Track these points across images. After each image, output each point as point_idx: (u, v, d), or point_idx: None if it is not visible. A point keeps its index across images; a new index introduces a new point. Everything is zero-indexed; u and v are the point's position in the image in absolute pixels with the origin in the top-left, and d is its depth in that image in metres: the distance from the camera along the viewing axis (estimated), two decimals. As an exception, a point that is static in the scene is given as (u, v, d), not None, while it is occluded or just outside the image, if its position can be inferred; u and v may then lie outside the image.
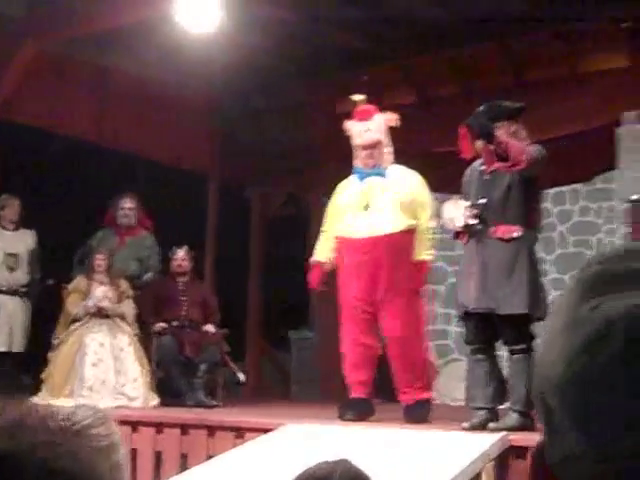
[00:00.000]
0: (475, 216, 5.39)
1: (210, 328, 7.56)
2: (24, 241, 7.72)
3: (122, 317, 7.30)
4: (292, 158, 9.35)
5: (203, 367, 7.30)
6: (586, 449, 0.64)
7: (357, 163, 6.04)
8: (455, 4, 7.61)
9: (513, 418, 5.19)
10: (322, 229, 6.23)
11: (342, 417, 5.79)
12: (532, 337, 5.24)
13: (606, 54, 7.96)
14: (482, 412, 5.32)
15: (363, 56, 8.44)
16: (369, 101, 6.12)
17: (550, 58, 8.15)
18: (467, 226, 5.41)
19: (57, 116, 8.21)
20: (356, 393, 5.93)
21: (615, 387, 0.63)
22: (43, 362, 7.16)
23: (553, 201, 9.11)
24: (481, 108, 5.56)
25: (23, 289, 7.61)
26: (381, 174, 5.95)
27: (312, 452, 4.01)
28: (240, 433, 5.55)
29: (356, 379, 5.93)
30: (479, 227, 5.39)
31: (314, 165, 9.07)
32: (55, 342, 7.19)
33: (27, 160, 8.71)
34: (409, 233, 5.87)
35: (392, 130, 6.00)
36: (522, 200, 5.40)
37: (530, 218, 5.49)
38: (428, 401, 5.89)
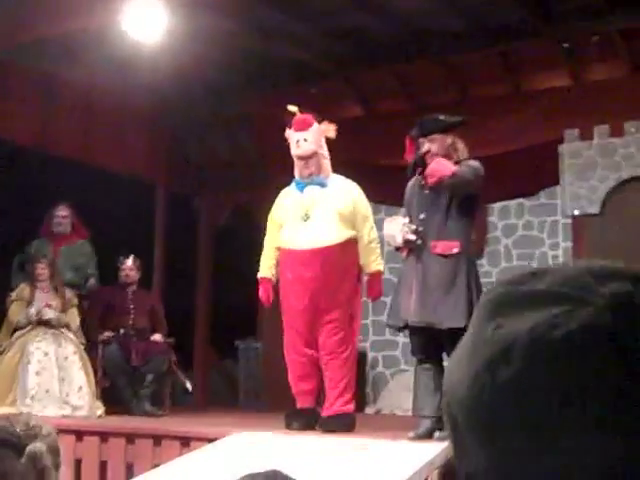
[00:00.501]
0: (413, 232, 5.41)
1: (157, 337, 7.55)
2: None
3: (67, 326, 7.25)
4: (240, 169, 9.39)
5: (150, 376, 7.28)
6: (488, 467, 0.67)
7: (296, 173, 6.07)
8: (402, 20, 7.73)
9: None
10: (264, 242, 6.24)
11: (288, 427, 5.81)
12: None
13: (548, 73, 8.15)
14: (428, 421, 5.35)
15: (312, 69, 8.52)
16: (316, 114, 6.17)
17: (493, 75, 8.31)
18: (406, 242, 5.44)
19: (1, 123, 8.13)
20: (302, 403, 5.94)
21: (513, 407, 0.65)
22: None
23: (499, 215, 9.26)
24: (418, 121, 5.62)
25: None
26: (321, 184, 5.96)
27: (257, 461, 4.05)
28: (186, 442, 5.55)
29: (301, 389, 5.94)
30: (418, 243, 5.42)
31: (263, 177, 9.10)
32: (-3, 351, 7.12)
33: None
34: (349, 244, 5.87)
35: (338, 142, 6.05)
36: (462, 216, 5.43)
37: (469, 233, 5.52)
38: (348, 415, 5.82)
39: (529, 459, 0.65)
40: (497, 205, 9.14)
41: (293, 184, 6.07)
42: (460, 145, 5.53)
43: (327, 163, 6.06)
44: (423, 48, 8.10)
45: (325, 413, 5.81)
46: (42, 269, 7.37)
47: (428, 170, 5.37)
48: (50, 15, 7.07)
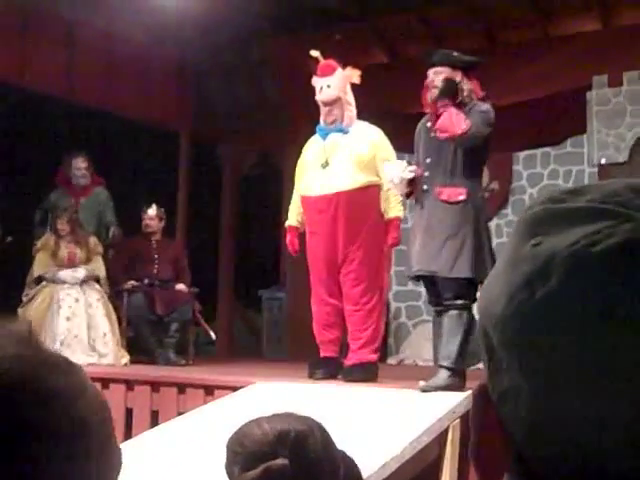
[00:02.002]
0: (411, 172, 5.21)
1: (181, 287, 7.58)
2: None
3: (97, 279, 7.30)
4: (264, 116, 9.32)
5: (174, 326, 7.33)
6: (522, 384, 0.66)
7: (321, 120, 6.03)
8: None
9: (441, 377, 5.04)
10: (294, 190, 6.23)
11: (312, 376, 5.83)
12: (473, 298, 5.07)
13: (576, 17, 7.98)
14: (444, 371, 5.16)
15: (337, 14, 8.42)
16: (340, 60, 6.09)
17: (520, 20, 8.15)
18: (407, 183, 5.24)
19: (23, 70, 8.10)
20: (325, 352, 5.96)
21: (553, 323, 0.64)
22: (12, 317, 7.11)
23: (524, 164, 9.15)
24: (430, 51, 5.45)
25: None
26: (342, 131, 5.90)
27: (280, 410, 4.06)
28: (210, 390, 5.61)
29: (325, 338, 5.95)
30: (424, 188, 5.23)
31: (286, 123, 9.04)
32: (24, 298, 7.18)
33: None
34: (369, 190, 5.77)
35: (363, 89, 5.98)
36: (470, 162, 5.18)
37: (478, 180, 5.34)
38: (372, 364, 5.77)
39: (562, 378, 0.64)
40: (522, 154, 9.02)
41: (317, 131, 6.04)
42: (467, 86, 5.26)
43: (351, 109, 6.00)
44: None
45: (348, 362, 5.81)
46: (62, 224, 7.37)
47: (438, 124, 5.14)
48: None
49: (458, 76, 5.25)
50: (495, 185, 8.85)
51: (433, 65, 5.29)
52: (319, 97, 5.96)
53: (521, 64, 7.95)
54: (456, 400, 4.74)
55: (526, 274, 0.66)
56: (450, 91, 5.20)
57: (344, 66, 6.05)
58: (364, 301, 5.76)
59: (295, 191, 6.18)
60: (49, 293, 7.09)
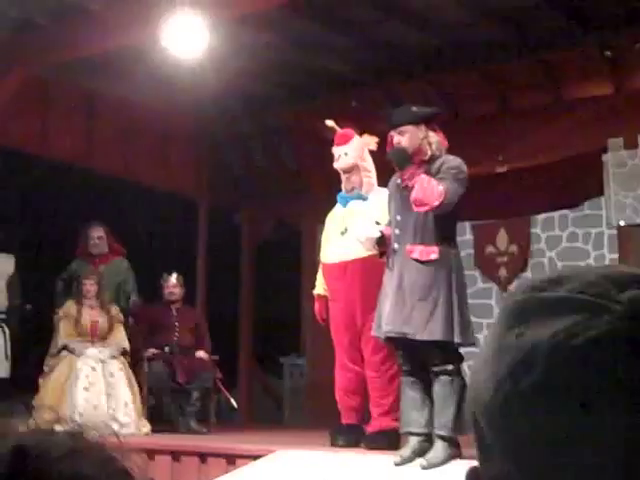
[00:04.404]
0: (379, 230, 5.13)
1: (202, 354, 7.57)
2: (2, 266, 7.65)
3: (114, 344, 7.32)
4: (281, 183, 9.40)
5: (195, 394, 7.30)
6: (512, 470, 0.67)
7: (342, 187, 6.10)
8: (439, 31, 7.70)
9: (440, 450, 4.86)
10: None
11: (333, 443, 5.80)
12: (459, 359, 4.94)
13: (590, 81, 8.05)
14: (415, 439, 5.04)
15: (350, 81, 8.54)
16: (357, 127, 6.16)
17: (534, 85, 8.23)
18: (380, 244, 5.14)
19: (44, 140, 8.24)
20: (347, 419, 5.93)
21: (536, 414, 0.66)
22: (32, 387, 7.14)
23: (542, 226, 9.14)
24: (388, 111, 5.34)
25: (1, 315, 7.54)
26: (361, 197, 5.95)
27: (302, 478, 4.03)
28: (232, 460, 5.58)
29: (347, 405, 5.93)
30: (395, 247, 5.07)
31: (303, 191, 9.12)
32: (46, 368, 7.19)
33: (10, 184, 8.71)
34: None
35: (381, 154, 6.00)
36: (441, 220, 5.00)
37: (451, 237, 5.12)
38: (394, 431, 5.63)
39: (549, 469, 0.66)
40: (540, 217, 9.02)
41: (338, 200, 6.11)
42: (434, 138, 5.12)
43: (370, 175, 6.05)
44: (461, 58, 8.05)
45: (370, 430, 5.77)
46: (90, 285, 7.45)
47: (413, 197, 4.95)
48: (91, 34, 7.16)
49: (422, 131, 5.11)
50: None
51: (396, 125, 5.16)
52: (336, 165, 6.04)
53: (535, 128, 8.00)
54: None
55: (510, 364, 0.68)
56: (404, 160, 5.05)
57: (361, 133, 6.12)
58: (385, 368, 5.73)
59: (320, 260, 6.22)
60: (68, 363, 7.10)
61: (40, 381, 7.13)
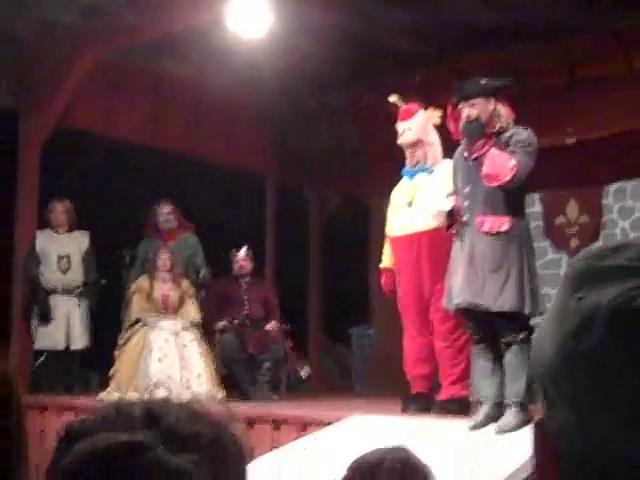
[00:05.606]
0: (449, 203, 5.14)
1: (272, 326, 7.70)
2: (78, 242, 7.86)
3: (186, 316, 7.50)
4: (346, 159, 9.45)
5: (267, 364, 7.43)
6: (575, 424, 0.73)
7: (407, 162, 6.13)
8: (503, 6, 7.63)
9: (511, 416, 4.90)
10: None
11: (405, 410, 5.84)
12: (529, 329, 4.92)
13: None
14: (486, 406, 5.07)
15: (413, 57, 8.51)
16: (421, 102, 6.18)
17: (603, 55, 8.06)
18: (449, 216, 5.18)
19: (113, 122, 8.42)
20: (417, 388, 5.97)
21: (596, 373, 0.71)
22: (109, 359, 7.37)
23: (614, 197, 9.02)
24: (458, 84, 5.32)
25: (77, 289, 7.76)
26: (427, 171, 5.98)
27: (373, 444, 4.10)
28: (303, 426, 5.67)
29: (416, 374, 5.97)
30: (465, 219, 5.07)
31: (369, 166, 9.16)
32: (120, 340, 7.39)
33: (84, 164, 8.92)
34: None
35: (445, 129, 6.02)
36: (511, 191, 4.99)
37: (520, 209, 5.12)
38: (465, 399, 5.67)
39: (610, 418, 0.71)
40: (612, 187, 8.90)
41: (403, 174, 6.15)
42: (503, 111, 5.13)
43: (435, 149, 6.07)
44: (527, 30, 7.95)
45: (440, 397, 5.81)
46: (165, 259, 7.64)
47: (485, 172, 4.96)
48: (157, 17, 7.29)
49: (491, 103, 5.12)
50: None
51: (466, 98, 5.17)
52: (400, 140, 6.09)
53: (605, 98, 7.87)
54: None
55: (572, 327, 0.73)
56: (478, 132, 5.07)
57: (425, 108, 6.14)
58: (454, 337, 5.75)
59: (386, 234, 6.26)
60: (142, 335, 7.29)
61: (115, 353, 7.32)
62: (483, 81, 5.21)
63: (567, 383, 0.73)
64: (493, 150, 4.97)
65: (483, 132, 5.09)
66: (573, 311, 0.74)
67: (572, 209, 8.89)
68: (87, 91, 7.93)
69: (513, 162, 4.91)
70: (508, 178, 4.89)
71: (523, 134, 5.06)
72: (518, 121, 5.22)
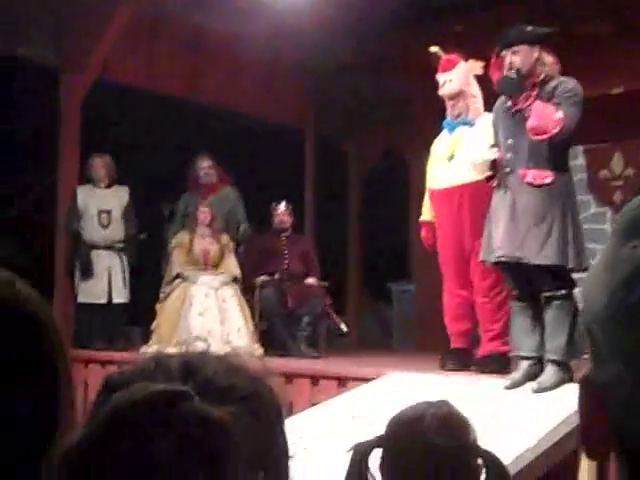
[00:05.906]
0: (494, 153, 5.04)
1: (312, 281, 7.70)
2: (118, 197, 7.88)
3: (226, 271, 7.53)
4: (387, 112, 9.34)
5: (306, 319, 7.45)
6: (624, 376, 0.70)
7: (447, 114, 6.04)
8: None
9: (551, 374, 4.83)
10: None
11: (443, 367, 5.85)
12: (571, 284, 4.86)
13: None
14: (525, 363, 5.00)
15: (455, 7, 8.36)
16: (462, 52, 6.06)
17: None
18: (492, 167, 5.09)
19: (152, 76, 8.41)
20: (456, 343, 5.97)
21: None
22: (150, 313, 7.44)
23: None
24: (502, 32, 5.17)
25: (118, 244, 7.78)
26: (468, 123, 5.89)
27: (413, 400, 4.09)
28: (343, 382, 5.69)
29: (456, 329, 5.97)
30: (507, 171, 4.99)
31: (410, 118, 9.05)
32: (162, 295, 7.45)
33: (124, 118, 8.93)
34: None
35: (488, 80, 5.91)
36: (555, 144, 4.86)
37: (564, 162, 5.01)
38: (505, 355, 5.64)
39: None
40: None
41: (444, 126, 6.06)
42: (548, 59, 5.00)
43: (476, 101, 5.97)
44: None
45: (480, 353, 5.80)
46: (205, 214, 7.67)
47: (530, 126, 4.85)
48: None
49: (536, 52, 5.00)
50: None
51: (509, 45, 5.05)
52: (441, 92, 5.99)
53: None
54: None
55: (624, 275, 0.70)
56: (514, 89, 4.97)
57: (467, 58, 6.02)
58: (494, 293, 5.71)
59: (427, 187, 6.20)
60: (182, 290, 7.34)
61: (157, 307, 7.40)
62: (528, 28, 5.08)
63: (617, 334, 0.71)
64: (538, 102, 4.87)
65: (519, 88, 4.97)
66: (625, 260, 0.71)
67: (617, 162, 8.72)
68: (127, 46, 7.92)
69: (560, 115, 4.81)
70: (555, 131, 4.79)
71: (569, 84, 4.95)
72: (563, 71, 5.10)
